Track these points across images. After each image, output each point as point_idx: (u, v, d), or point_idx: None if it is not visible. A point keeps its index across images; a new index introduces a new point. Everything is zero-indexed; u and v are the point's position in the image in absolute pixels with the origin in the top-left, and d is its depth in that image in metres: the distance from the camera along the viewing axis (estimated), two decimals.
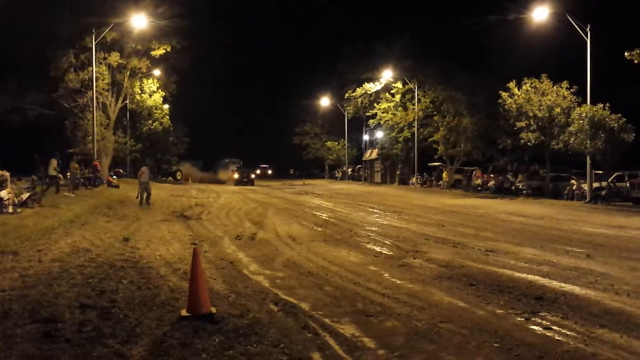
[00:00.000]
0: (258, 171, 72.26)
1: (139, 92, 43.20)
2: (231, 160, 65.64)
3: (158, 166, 54.08)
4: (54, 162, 24.03)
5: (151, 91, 44.30)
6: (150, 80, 43.94)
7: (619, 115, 26.63)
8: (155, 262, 9.75)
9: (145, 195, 22.24)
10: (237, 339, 5.57)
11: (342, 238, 13.60)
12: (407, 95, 48.14)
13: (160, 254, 10.65)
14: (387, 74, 48.22)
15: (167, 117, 48.54)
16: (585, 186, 28.07)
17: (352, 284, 8.33)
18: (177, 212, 19.80)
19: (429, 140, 44.09)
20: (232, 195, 31.68)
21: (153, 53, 38.56)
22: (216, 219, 18.00)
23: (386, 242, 13.01)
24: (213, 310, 6.38)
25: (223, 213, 19.97)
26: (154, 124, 46.37)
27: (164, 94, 45.61)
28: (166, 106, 49.30)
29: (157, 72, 43.71)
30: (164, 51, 38.70)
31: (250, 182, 50.85)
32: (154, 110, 46.01)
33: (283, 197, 30.80)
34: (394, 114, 48.63)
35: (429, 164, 47.09)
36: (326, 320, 6.35)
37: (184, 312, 6.29)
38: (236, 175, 52.12)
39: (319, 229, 15.60)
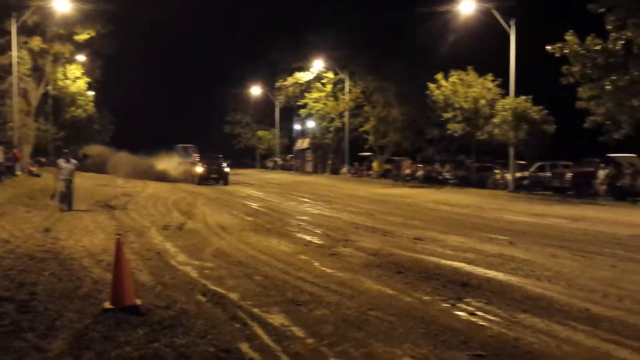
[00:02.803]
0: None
1: (62, 78, 41.46)
2: (185, 146, 47.77)
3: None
4: None
5: (75, 77, 42.54)
6: (74, 66, 42.21)
7: (541, 107, 27.74)
8: (78, 254, 9.41)
9: (59, 195, 16.22)
10: (163, 330, 5.42)
11: (273, 227, 13.52)
12: (338, 85, 48.36)
13: (83, 245, 10.27)
14: (318, 64, 48.23)
15: (92, 104, 46.86)
16: (509, 176, 29.08)
17: (282, 273, 8.28)
18: (101, 201, 19.16)
19: (359, 130, 44.49)
20: (162, 184, 30.96)
21: (77, 38, 37.01)
22: (143, 208, 17.54)
23: (317, 231, 13.04)
24: (138, 302, 6.18)
25: (150, 203, 19.47)
26: (78, 111, 44.64)
27: (89, 80, 44.00)
28: (91, 93, 47.57)
29: (81, 57, 42.06)
30: (88, 36, 37.21)
31: (223, 179, 32.94)
32: (78, 97, 44.27)
33: (213, 187, 30.38)
34: (325, 104, 48.75)
35: (360, 154, 47.53)
36: (255, 310, 6.28)
37: (107, 305, 6.08)
38: (200, 169, 32.80)
39: (250, 218, 15.46)
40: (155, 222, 14.11)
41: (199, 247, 10.50)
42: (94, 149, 44.70)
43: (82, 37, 37.10)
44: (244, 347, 5.11)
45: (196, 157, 36.73)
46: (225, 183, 32.54)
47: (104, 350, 4.90)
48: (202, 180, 32.28)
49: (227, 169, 33.59)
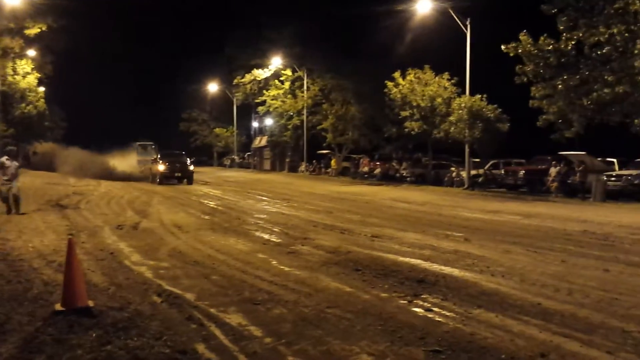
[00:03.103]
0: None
1: (12, 73, 40.23)
2: (144, 144, 45.28)
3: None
4: None
5: (25, 73, 41.34)
6: (24, 61, 41.00)
7: (495, 106, 28.28)
8: (28, 254, 9.14)
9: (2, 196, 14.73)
10: (116, 332, 5.30)
11: (230, 226, 13.41)
12: (296, 83, 48.30)
13: (33, 246, 9.98)
14: (276, 61, 48.05)
15: (42, 100, 45.60)
16: (464, 173, 29.56)
17: (240, 272, 8.21)
18: (52, 201, 18.66)
19: (318, 128, 44.53)
20: (116, 183, 30.35)
21: (27, 32, 35.99)
22: (96, 207, 17.16)
23: (275, 229, 12.98)
24: (90, 303, 6.03)
25: (104, 202, 19.07)
26: (28, 108, 43.35)
27: (39, 75, 42.79)
28: (41, 89, 46.27)
29: (31, 52, 40.89)
30: (39, 30, 36.23)
31: (188, 178, 31.27)
32: (28, 93, 42.98)
33: (169, 185, 29.94)
34: (283, 101, 48.64)
35: (318, 152, 47.61)
36: (212, 310, 6.20)
37: (58, 307, 5.91)
38: (162, 167, 30.75)
39: (206, 217, 15.30)
40: (109, 222, 13.82)
41: (154, 246, 10.32)
42: (44, 147, 43.69)
43: (33, 31, 36.10)
44: (201, 348, 5.03)
45: (157, 155, 33.60)
46: (190, 182, 30.98)
47: (56, 354, 4.76)
48: (164, 179, 30.64)
49: (191, 167, 32.01)
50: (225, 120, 67.43)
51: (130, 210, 16.48)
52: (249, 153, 68.16)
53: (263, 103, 51.03)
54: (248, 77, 51.52)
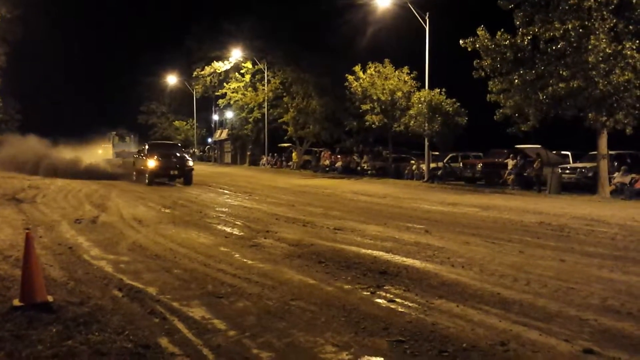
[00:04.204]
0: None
1: None
2: (121, 134, 40.87)
3: None
4: None
5: None
6: None
7: (454, 99, 28.72)
8: None
9: None
10: (77, 327, 5.21)
11: (192, 220, 13.29)
12: (257, 76, 48.07)
13: None
14: (236, 54, 47.70)
15: None
16: (424, 166, 29.93)
17: (202, 265, 8.15)
18: (7, 194, 18.14)
19: (279, 121, 44.45)
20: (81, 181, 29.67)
21: None
22: (53, 201, 16.76)
23: (237, 222, 12.92)
24: (50, 298, 5.91)
25: (61, 195, 18.64)
26: None
27: None
28: None
29: None
30: None
31: (184, 175, 24.86)
32: None
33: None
34: (244, 94, 48.36)
35: (279, 145, 47.54)
36: (175, 304, 6.15)
37: (16, 302, 5.76)
38: (153, 164, 24.05)
39: (167, 210, 15.12)
40: (67, 216, 13.52)
41: (113, 240, 10.16)
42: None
43: None
44: (164, 341, 4.99)
45: (144, 147, 27.15)
46: (188, 182, 24.73)
47: (15, 350, 4.65)
48: (155, 177, 24.50)
49: (190, 163, 25.35)
50: (184, 112, 66.66)
51: (89, 204, 16.15)
52: (209, 146, 67.57)
53: (223, 96, 50.61)
54: (208, 70, 50.99)
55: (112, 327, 5.29)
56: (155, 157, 24.31)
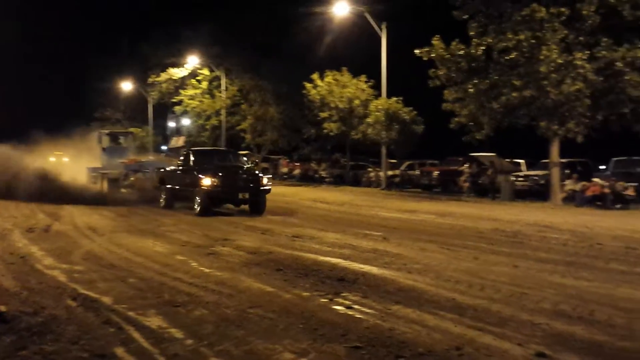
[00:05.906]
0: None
1: None
2: (114, 133, 29.89)
3: None
4: None
5: None
6: None
7: (411, 108, 29.18)
8: None
9: None
10: (31, 337, 5.09)
11: (148, 228, 13.10)
12: (214, 83, 47.64)
13: None
14: (193, 60, 47.18)
15: None
16: (382, 174, 30.23)
17: (159, 274, 8.05)
18: None
19: (236, 128, 44.17)
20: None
21: None
22: (4, 210, 16.29)
23: (194, 231, 12.80)
24: (2, 308, 5.78)
25: (12, 204, 18.12)
26: None
27: None
28: None
29: None
30: None
31: (256, 201, 16.72)
32: None
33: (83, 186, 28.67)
34: (201, 101, 47.83)
35: (237, 152, 47.16)
36: (130, 313, 6.05)
37: None
38: (208, 181, 15.74)
39: (122, 219, 14.87)
40: (18, 225, 13.16)
41: (67, 249, 9.93)
42: None
43: None
44: (119, 351, 4.91)
45: (186, 154, 18.53)
46: (259, 210, 16.73)
47: None
48: (213, 204, 16.33)
49: (266, 181, 17.15)
50: (140, 119, 65.44)
51: (41, 213, 15.76)
52: (165, 154, 66.63)
53: (180, 103, 49.99)
54: (164, 76, 50.21)
55: (67, 337, 5.18)
56: (211, 172, 16.21)
